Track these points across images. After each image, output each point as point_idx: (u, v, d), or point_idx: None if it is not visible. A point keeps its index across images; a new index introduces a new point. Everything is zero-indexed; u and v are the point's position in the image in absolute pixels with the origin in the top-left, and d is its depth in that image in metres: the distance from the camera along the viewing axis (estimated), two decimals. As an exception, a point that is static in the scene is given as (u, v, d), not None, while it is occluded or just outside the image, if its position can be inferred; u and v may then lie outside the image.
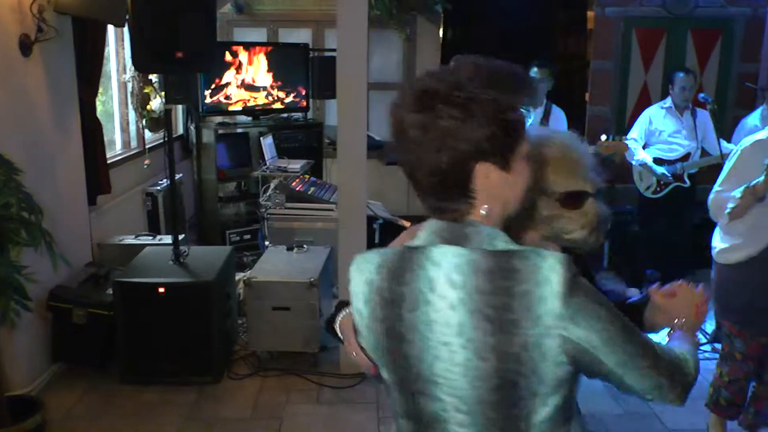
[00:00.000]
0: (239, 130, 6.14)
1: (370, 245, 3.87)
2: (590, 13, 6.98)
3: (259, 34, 6.86)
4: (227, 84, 5.92)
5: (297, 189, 5.11)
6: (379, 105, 7.19)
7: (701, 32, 6.68)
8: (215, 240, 5.74)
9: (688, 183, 4.93)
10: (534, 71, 6.05)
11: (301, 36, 6.85)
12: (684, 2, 6.65)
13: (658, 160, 4.90)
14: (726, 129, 6.69)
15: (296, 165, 5.42)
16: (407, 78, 7.16)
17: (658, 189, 4.94)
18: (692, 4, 6.66)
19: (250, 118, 6.19)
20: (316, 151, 6.33)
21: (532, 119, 4.90)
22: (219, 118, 6.12)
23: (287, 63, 6.27)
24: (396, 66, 7.21)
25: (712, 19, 6.72)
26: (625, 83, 6.81)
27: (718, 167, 4.56)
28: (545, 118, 4.73)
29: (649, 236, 5.15)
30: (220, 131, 5.87)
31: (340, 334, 1.43)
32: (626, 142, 4.97)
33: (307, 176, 5.48)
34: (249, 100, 6.11)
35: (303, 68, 6.33)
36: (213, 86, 5.82)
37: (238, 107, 6.08)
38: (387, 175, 6.52)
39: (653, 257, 5.20)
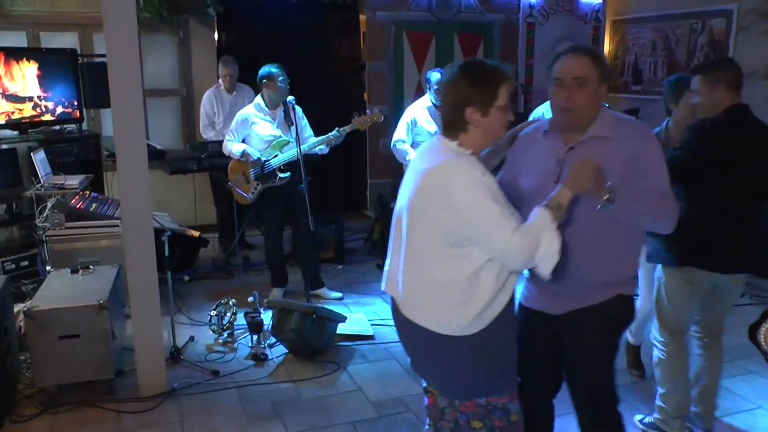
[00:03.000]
0: (4, 146, 5.59)
1: (160, 259, 3.75)
2: (362, 17, 7.29)
3: (16, 39, 6.26)
4: (-16, 96, 5.37)
5: (77, 207, 4.80)
6: (158, 112, 6.95)
7: (466, 35, 7.28)
8: (-15, 270, 5.18)
9: None
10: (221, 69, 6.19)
11: (67, 41, 6.40)
12: (448, 7, 7.20)
13: None
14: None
15: (74, 181, 5.07)
16: (184, 83, 6.98)
17: None
18: (455, 10, 7.23)
19: (16, 132, 5.66)
20: (95, 164, 5.95)
21: (277, 120, 5.00)
22: (-22, 134, 5.53)
23: (54, 70, 5.82)
24: (172, 71, 7.00)
25: (473, 24, 7.36)
26: (400, 83, 7.21)
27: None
28: (288, 116, 4.84)
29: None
30: (-19, 148, 5.31)
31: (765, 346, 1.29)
32: (395, 142, 5.26)
33: (88, 192, 5.16)
34: (13, 113, 5.59)
35: (72, 76, 5.91)
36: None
37: (2, 121, 5.53)
38: (171, 184, 6.32)
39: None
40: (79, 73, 5.93)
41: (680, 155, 2.88)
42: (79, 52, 6.13)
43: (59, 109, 5.88)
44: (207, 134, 6.20)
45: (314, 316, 4.08)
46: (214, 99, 6.21)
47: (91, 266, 4.17)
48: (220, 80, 6.24)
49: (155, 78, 6.86)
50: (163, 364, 3.80)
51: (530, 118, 5.90)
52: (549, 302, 2.47)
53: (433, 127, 5.19)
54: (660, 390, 3.26)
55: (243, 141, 5.02)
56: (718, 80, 2.92)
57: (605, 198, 2.15)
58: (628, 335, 3.99)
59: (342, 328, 4.40)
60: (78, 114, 6.01)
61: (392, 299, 2.35)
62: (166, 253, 4.00)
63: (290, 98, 4.82)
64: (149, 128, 6.35)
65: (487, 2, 7.38)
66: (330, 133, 4.87)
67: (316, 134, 5.02)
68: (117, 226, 4.51)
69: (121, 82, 3.48)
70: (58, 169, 5.29)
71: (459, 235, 2.09)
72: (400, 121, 5.35)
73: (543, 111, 5.86)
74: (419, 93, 7.05)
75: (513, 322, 2.29)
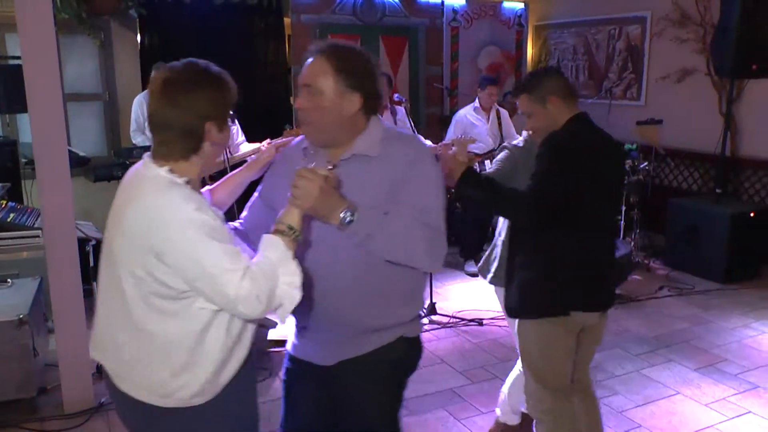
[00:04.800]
0: None
1: (84, 270, 3.62)
2: (287, 20, 7.24)
3: None
4: None
5: (-8, 217, 4.58)
6: (80, 117, 6.72)
7: (391, 39, 7.34)
8: None
9: None
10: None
11: (-23, 42, 6.12)
12: (372, 11, 7.25)
13: None
14: (421, 124, 7.45)
15: (-12, 190, 4.85)
16: (107, 87, 6.77)
17: None
18: (380, 14, 7.28)
19: None
20: (12, 172, 5.70)
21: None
22: None
23: (-38, 73, 5.54)
24: (93, 74, 6.77)
25: (398, 27, 7.43)
26: (328, 86, 7.20)
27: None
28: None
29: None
30: None
31: None
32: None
33: (5, 201, 4.94)
34: None
35: (-17, 79, 5.65)
36: None
37: None
38: (96, 192, 6.08)
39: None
40: (-9, 76, 5.67)
41: (547, 179, 2.41)
42: (-10, 54, 5.88)
43: (-30, 115, 5.61)
44: (136, 139, 6.06)
45: (246, 323, 4.02)
46: (145, 104, 6.04)
47: (9, 279, 3.99)
48: None
49: (76, 82, 6.63)
50: (90, 379, 3.67)
51: (452, 123, 6.06)
52: (318, 351, 2.06)
53: None
54: None
55: None
56: (547, 94, 2.55)
57: (339, 219, 1.77)
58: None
59: (273, 334, 4.36)
60: (-8, 120, 5.76)
61: (104, 369, 1.85)
62: (91, 264, 3.88)
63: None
64: (71, 134, 6.14)
65: (412, 6, 7.46)
66: (261, 144, 4.84)
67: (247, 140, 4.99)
68: (38, 236, 4.34)
69: (38, 86, 3.35)
70: (-30, 179, 5.06)
71: (175, 286, 1.66)
72: None
73: (464, 113, 6.00)
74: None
75: (253, 380, 1.95)
